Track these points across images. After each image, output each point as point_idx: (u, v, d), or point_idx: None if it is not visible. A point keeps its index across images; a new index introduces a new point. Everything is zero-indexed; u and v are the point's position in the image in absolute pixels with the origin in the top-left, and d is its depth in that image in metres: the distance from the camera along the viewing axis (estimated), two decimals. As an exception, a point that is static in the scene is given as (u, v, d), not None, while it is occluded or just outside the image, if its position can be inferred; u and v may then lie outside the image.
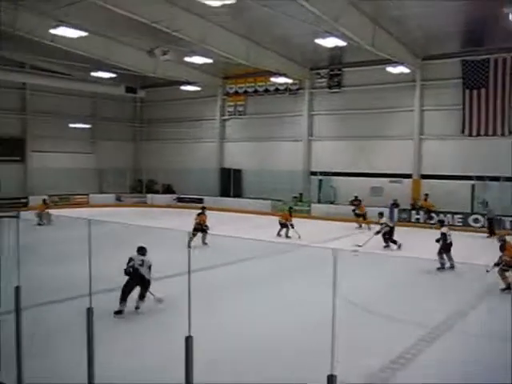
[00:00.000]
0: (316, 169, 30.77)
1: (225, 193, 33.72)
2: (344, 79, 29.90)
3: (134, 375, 7.21)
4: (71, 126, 34.79)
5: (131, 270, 10.41)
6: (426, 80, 27.00)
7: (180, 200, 34.06)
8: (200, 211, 20.22)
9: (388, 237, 19.07)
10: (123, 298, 10.29)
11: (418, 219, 25.90)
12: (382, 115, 28.34)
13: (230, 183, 33.51)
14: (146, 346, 8.64)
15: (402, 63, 25.08)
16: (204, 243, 18.89)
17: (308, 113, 31.32)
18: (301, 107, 31.46)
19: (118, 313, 10.13)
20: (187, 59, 26.25)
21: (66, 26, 20.42)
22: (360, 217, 25.17)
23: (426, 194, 26.12)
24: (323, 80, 30.68)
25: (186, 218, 20.79)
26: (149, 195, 35.42)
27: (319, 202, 29.67)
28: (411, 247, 18.74)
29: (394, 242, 18.98)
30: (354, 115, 29.36)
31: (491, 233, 21.96)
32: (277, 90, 32.18)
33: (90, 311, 5.42)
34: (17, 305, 6.33)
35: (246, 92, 33.80)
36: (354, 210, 25.71)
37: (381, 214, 20.06)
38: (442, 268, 15.25)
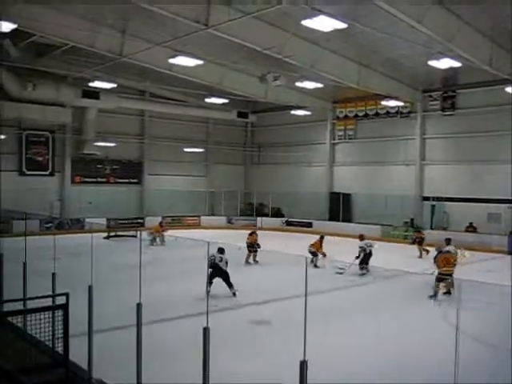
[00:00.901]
0: (428, 194, 29.82)
1: (334, 217, 33.47)
2: (458, 101, 28.91)
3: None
4: (185, 150, 36.22)
5: (212, 263, 13.59)
6: (549, 100, 25.48)
7: (289, 223, 34.20)
8: (251, 231, 21.78)
9: (363, 261, 18.34)
10: (209, 283, 13.19)
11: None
12: (499, 138, 26.84)
13: (340, 207, 33.23)
14: (258, 369, 8.68)
15: (522, 83, 23.86)
16: (255, 261, 20.47)
17: (420, 136, 30.51)
18: (412, 131, 30.73)
19: (208, 292, 12.48)
20: (298, 84, 26.55)
21: (184, 56, 21.43)
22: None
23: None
24: (436, 102, 29.86)
25: (295, 242, 20.84)
26: (259, 218, 35.84)
27: (431, 228, 28.64)
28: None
29: (366, 264, 18.29)
30: (470, 138, 28.19)
31: None
32: (387, 113, 31.73)
33: (206, 330, 5.54)
34: (138, 320, 6.60)
35: (356, 116, 33.60)
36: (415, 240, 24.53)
37: (361, 236, 19.62)
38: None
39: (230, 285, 13.90)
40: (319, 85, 26.30)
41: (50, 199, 31.48)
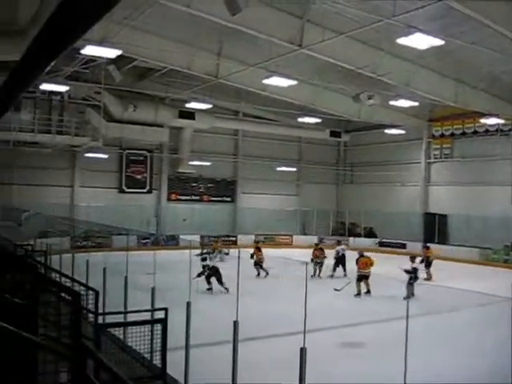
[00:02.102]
0: (532, 215, 28.30)
1: (429, 238, 32.37)
2: None
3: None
4: (278, 169, 36.52)
5: (208, 264, 17.08)
6: None
7: (382, 244, 33.43)
8: (257, 246, 22.86)
9: (337, 264, 21.03)
10: (208, 282, 16.87)
11: None
12: None
13: (435, 228, 32.14)
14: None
15: None
16: (258, 275, 21.08)
17: (523, 155, 29.13)
18: (515, 149, 29.38)
19: (209, 289, 16.93)
20: (392, 103, 26.08)
21: (278, 76, 21.68)
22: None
23: None
24: (540, 119, 28.43)
25: (388, 264, 20.37)
26: (351, 238, 35.29)
27: (535, 252, 27.16)
28: None
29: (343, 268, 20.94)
30: None
31: None
32: (487, 131, 30.49)
33: (303, 351, 5.54)
34: (234, 338, 6.70)
35: (452, 134, 32.58)
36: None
37: (338, 242, 23.20)
38: (407, 297, 16.03)
39: (221, 282, 16.71)
40: (414, 103, 25.64)
41: (147, 216, 32.62)
